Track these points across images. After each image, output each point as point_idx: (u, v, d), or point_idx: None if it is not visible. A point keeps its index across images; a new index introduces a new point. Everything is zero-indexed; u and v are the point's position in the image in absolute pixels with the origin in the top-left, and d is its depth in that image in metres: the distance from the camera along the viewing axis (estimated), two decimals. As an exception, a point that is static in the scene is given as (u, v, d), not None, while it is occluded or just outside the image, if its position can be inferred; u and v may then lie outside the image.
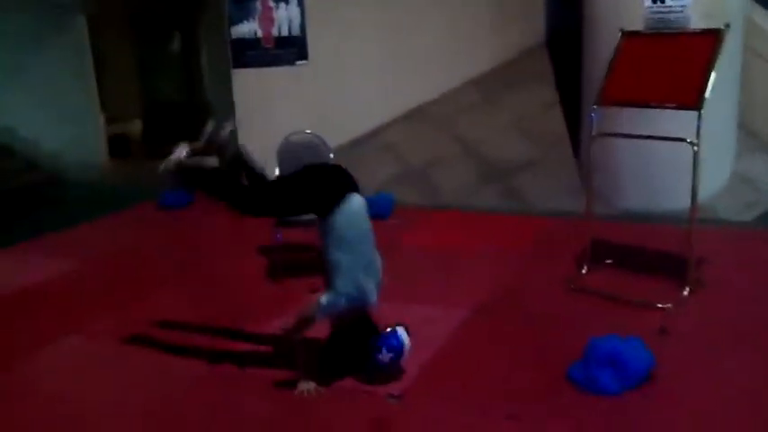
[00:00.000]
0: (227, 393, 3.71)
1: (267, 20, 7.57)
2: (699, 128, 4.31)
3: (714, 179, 6.50)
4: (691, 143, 4.36)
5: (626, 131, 5.14)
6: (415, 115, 8.54)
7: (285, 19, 7.64)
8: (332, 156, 5.46)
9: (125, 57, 11.47)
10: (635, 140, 5.30)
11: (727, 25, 4.49)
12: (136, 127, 11.72)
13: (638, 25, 5.57)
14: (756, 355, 3.79)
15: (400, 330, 3.59)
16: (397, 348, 3.56)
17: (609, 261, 5.11)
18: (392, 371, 3.64)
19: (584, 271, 4.96)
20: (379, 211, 6.61)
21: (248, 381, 3.81)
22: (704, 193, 5.57)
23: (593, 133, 4.92)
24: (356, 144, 8.16)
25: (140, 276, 5.58)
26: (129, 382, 3.91)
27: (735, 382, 3.54)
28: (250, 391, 3.71)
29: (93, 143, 9.95)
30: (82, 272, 5.74)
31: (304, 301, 4.72)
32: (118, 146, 10.70)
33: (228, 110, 7.92)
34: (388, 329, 3.59)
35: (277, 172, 5.35)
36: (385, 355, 3.55)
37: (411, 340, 3.62)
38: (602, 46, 5.84)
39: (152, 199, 7.67)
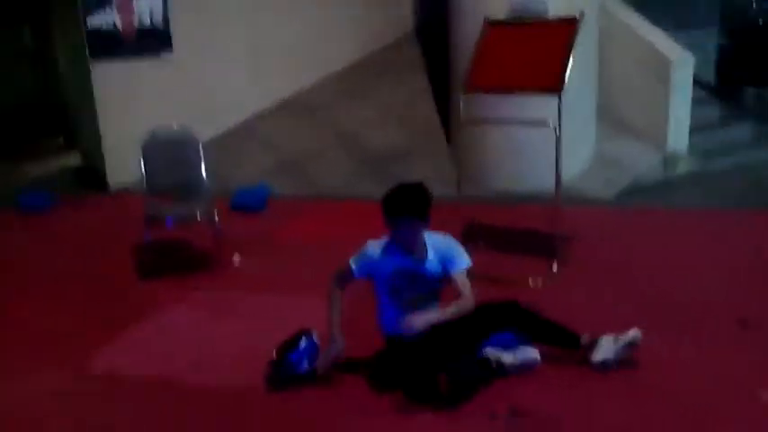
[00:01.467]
0: (94, 402, 3.55)
1: (126, 10, 7.21)
2: (560, 110, 4.49)
3: (577, 160, 6.82)
4: (552, 127, 4.53)
5: (493, 116, 5.28)
6: (288, 106, 8.44)
7: (146, 8, 7.31)
8: (201, 150, 5.28)
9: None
10: (502, 125, 5.46)
11: (582, 13, 4.69)
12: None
13: (500, 14, 5.72)
14: (619, 321, 3.99)
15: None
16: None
17: (481, 242, 5.24)
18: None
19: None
20: (254, 202, 6.51)
21: (117, 386, 3.64)
22: (568, 173, 5.83)
23: (461, 120, 5.03)
24: (227, 136, 7.96)
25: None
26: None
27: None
28: (117, 397, 3.56)
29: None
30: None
31: (176, 299, 4.61)
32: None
33: (89, 104, 7.50)
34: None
35: (143, 169, 5.13)
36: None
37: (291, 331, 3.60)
38: (468, 34, 5.96)
39: (8, 203, 7.17)
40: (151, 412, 3.43)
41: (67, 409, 3.52)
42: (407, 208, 3.38)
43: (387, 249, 3.54)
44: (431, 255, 3.51)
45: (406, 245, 3.47)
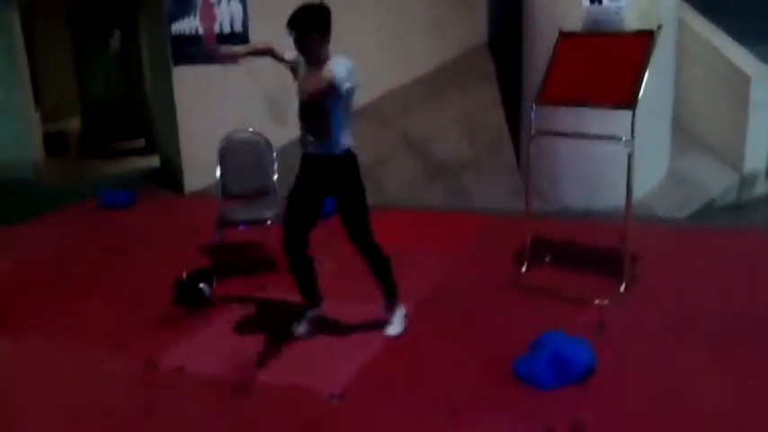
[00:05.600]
0: (162, 394, 3.68)
1: (208, 16, 7.46)
2: (633, 126, 4.42)
3: (650, 177, 6.68)
4: (625, 141, 4.47)
5: (565, 129, 5.24)
6: (360, 113, 8.52)
7: (227, 15, 7.54)
8: (275, 154, 5.42)
9: (61, 53, 11.16)
10: (573, 139, 5.41)
11: (660, 26, 4.61)
12: (73, 125, 11.43)
13: (575, 26, 5.68)
14: (687, 348, 3.92)
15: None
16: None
17: (548, 259, 5.21)
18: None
19: (524, 269, 5.04)
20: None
21: (185, 382, 3.77)
22: (640, 190, 5.72)
23: (532, 132, 5.01)
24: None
25: (76, 277, 5.45)
26: (62, 383, 3.84)
27: (664, 375, 3.66)
28: (186, 393, 3.68)
29: (27, 141, 9.66)
30: (15, 272, 5.59)
31: (247, 300, 4.75)
32: (55, 144, 10.44)
33: (169, 107, 7.78)
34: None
35: (218, 171, 5.29)
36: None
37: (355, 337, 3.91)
38: (542, 46, 5.95)
39: (91, 198, 7.50)
40: (215, 408, 3.55)
41: (134, 396, 3.69)
42: (299, 22, 3.73)
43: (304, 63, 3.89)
44: (329, 72, 3.67)
45: (307, 56, 3.82)
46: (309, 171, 3.96)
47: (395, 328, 4.17)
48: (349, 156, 3.91)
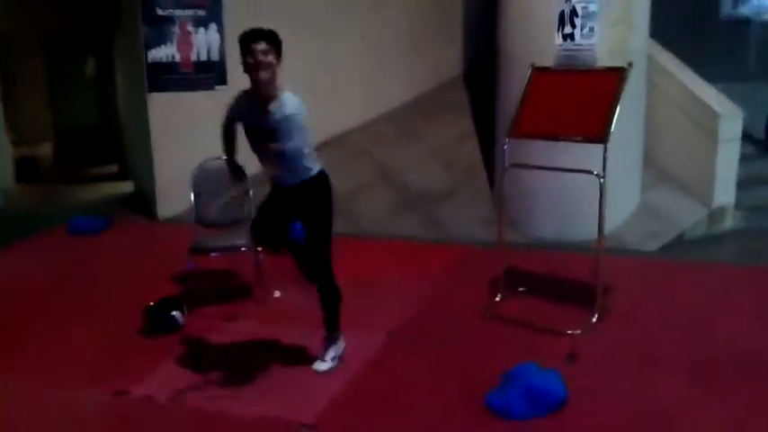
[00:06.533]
0: (132, 425, 3.62)
1: (185, 44, 7.47)
2: (605, 160, 4.49)
3: (622, 210, 6.77)
4: (597, 175, 4.53)
5: (538, 162, 5.29)
6: (336, 144, 8.57)
7: (204, 44, 7.57)
8: (248, 184, 5.40)
9: (36, 78, 11.10)
10: (546, 171, 5.47)
11: (630, 64, 4.72)
12: (46, 150, 11.33)
13: (548, 61, 5.78)
14: (660, 378, 3.94)
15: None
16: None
17: (522, 289, 5.24)
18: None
19: (498, 299, 5.06)
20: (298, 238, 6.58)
21: (155, 412, 3.71)
22: (612, 222, 5.80)
23: (506, 164, 5.06)
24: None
25: (45, 307, 5.34)
26: (32, 414, 3.76)
27: (636, 405, 3.67)
28: (156, 423, 3.62)
29: (-2, 166, 9.55)
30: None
31: (219, 329, 4.70)
32: (26, 169, 10.32)
33: (144, 134, 7.74)
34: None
35: (192, 197, 5.27)
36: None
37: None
38: (515, 80, 6.03)
39: (63, 225, 7.40)
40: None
41: (105, 427, 3.61)
42: (254, 35, 3.91)
43: (247, 102, 4.07)
44: (277, 113, 3.94)
45: (254, 75, 3.95)
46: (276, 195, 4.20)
47: (324, 364, 4.09)
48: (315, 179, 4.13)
